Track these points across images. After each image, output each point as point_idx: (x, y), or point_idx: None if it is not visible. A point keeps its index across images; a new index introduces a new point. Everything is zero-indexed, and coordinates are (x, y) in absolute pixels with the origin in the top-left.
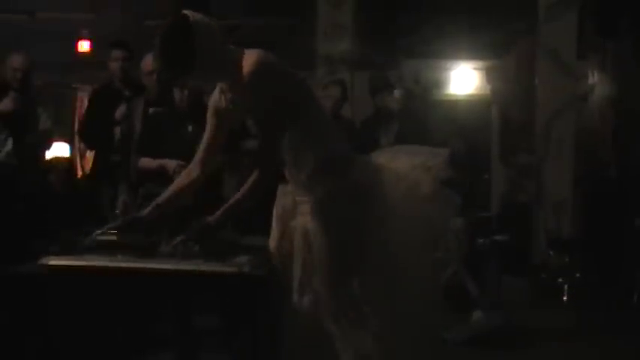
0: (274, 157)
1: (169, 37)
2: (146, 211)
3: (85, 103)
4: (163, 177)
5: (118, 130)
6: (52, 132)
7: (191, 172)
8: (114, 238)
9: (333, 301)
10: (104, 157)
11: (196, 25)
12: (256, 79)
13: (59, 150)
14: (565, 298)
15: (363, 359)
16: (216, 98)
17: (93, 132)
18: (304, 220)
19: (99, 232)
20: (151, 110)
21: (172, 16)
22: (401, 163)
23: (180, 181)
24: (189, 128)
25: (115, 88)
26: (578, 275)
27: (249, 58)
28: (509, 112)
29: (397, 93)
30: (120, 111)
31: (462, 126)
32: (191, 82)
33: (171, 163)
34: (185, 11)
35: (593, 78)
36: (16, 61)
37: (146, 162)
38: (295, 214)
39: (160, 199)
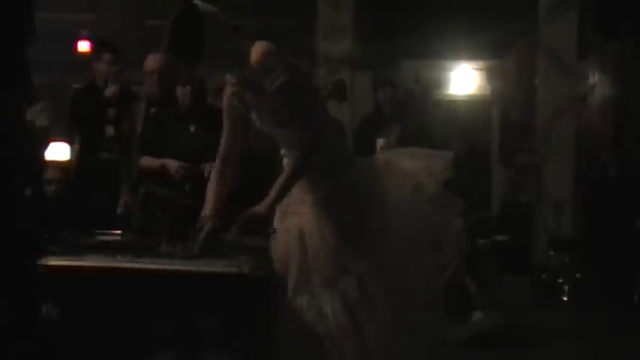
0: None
1: (179, 24)
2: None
3: None
4: (164, 176)
5: (107, 129)
6: (48, 130)
7: (221, 174)
8: (114, 238)
9: (324, 302)
10: (91, 156)
11: (206, 14)
12: (267, 63)
13: (58, 150)
14: (565, 298)
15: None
16: (228, 95)
17: (79, 131)
18: (300, 220)
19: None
20: (152, 110)
21: (181, 4)
22: (404, 166)
23: (214, 187)
24: (192, 128)
25: (99, 87)
26: (578, 275)
27: (258, 48)
28: (509, 113)
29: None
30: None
31: (462, 127)
32: (198, 71)
33: (172, 163)
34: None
35: (594, 78)
36: None
37: (148, 161)
38: (293, 213)
39: (208, 210)
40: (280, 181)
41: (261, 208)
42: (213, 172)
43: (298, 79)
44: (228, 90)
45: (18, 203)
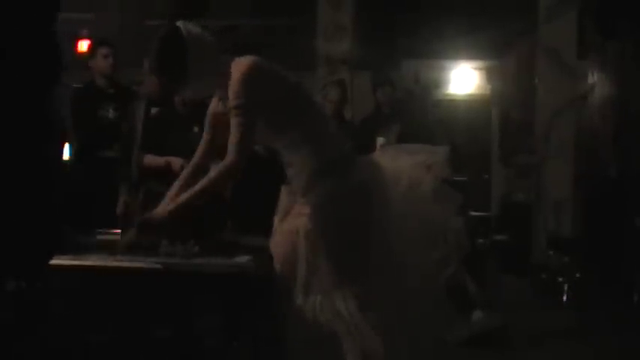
0: (247, 149)
1: (162, 49)
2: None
3: None
4: (166, 175)
5: (107, 129)
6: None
7: (189, 179)
8: (114, 237)
9: (337, 300)
10: (91, 155)
11: (189, 38)
12: (243, 82)
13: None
14: (565, 298)
15: (367, 359)
16: (214, 106)
17: (80, 129)
18: (307, 220)
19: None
20: (154, 110)
21: (165, 28)
22: (402, 162)
23: (177, 189)
24: (195, 129)
25: (98, 86)
26: (578, 275)
27: (239, 65)
28: (509, 112)
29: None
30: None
31: (448, 126)
32: (185, 92)
33: (177, 161)
34: (178, 22)
35: (593, 78)
36: None
37: (151, 159)
38: (295, 213)
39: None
40: (191, 192)
41: (160, 212)
42: (183, 172)
43: (275, 94)
44: (215, 105)
45: (47, 200)
